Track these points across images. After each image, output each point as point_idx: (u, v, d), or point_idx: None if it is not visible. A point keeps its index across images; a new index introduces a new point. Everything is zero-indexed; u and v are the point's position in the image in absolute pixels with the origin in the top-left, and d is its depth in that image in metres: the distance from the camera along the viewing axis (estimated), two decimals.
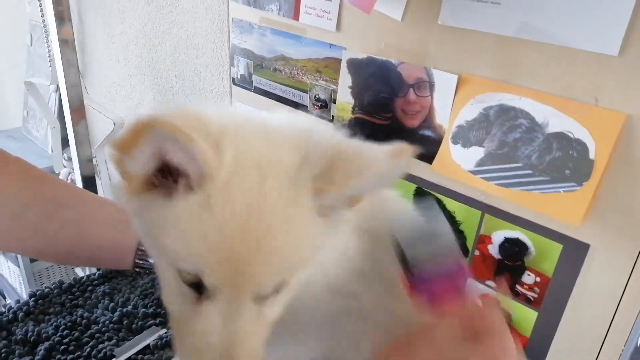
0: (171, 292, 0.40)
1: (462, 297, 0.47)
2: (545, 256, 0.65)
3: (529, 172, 0.60)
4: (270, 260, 0.37)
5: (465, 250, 0.74)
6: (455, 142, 0.66)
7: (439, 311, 0.46)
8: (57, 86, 1.54)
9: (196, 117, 0.36)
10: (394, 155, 0.36)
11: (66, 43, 1.23)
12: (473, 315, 0.46)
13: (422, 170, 0.74)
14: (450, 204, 0.73)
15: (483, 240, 0.71)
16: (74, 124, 1.24)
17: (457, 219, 0.73)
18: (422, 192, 0.76)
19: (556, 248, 0.64)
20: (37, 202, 0.62)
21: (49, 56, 1.55)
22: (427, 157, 0.72)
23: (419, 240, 0.47)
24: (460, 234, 0.74)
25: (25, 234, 0.63)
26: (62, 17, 1.21)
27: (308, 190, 0.37)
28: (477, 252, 0.72)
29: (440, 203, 0.74)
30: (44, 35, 1.53)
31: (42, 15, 1.50)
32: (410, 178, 0.77)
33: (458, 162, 0.66)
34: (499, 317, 0.46)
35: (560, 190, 0.58)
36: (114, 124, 1.26)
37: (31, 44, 1.84)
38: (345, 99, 0.80)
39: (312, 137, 0.40)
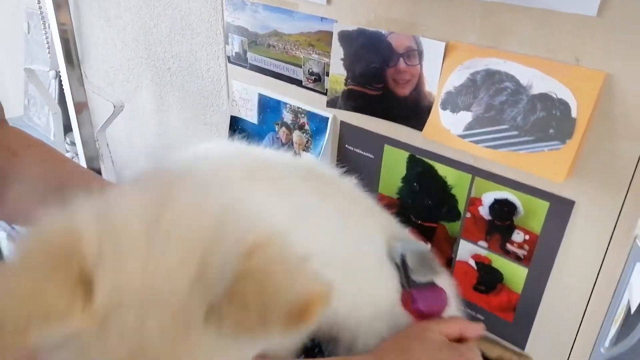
0: None
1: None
2: (533, 214, 0.68)
3: (515, 133, 0.62)
4: None
5: (457, 214, 0.77)
6: (444, 108, 0.69)
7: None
8: (57, 72, 1.56)
9: (66, 252, 0.30)
10: (294, 317, 0.29)
11: (64, 29, 1.25)
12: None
13: (414, 137, 0.77)
14: (442, 169, 0.76)
15: (474, 202, 0.74)
16: (76, 108, 1.26)
17: (449, 183, 0.76)
18: (415, 159, 0.78)
19: (543, 206, 0.66)
20: (57, 185, 0.63)
21: (47, 43, 1.57)
22: (418, 124, 0.74)
23: (424, 268, 0.56)
24: (452, 198, 0.76)
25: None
26: (59, 3, 1.23)
27: (201, 319, 0.31)
28: (468, 215, 0.75)
29: (432, 169, 0.77)
30: (41, 22, 1.55)
31: (39, 3, 1.52)
32: (402, 146, 0.79)
33: (447, 128, 0.68)
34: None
35: (545, 149, 0.61)
36: (114, 106, 1.28)
37: (28, 32, 1.86)
38: (338, 72, 0.82)
39: (221, 230, 0.33)
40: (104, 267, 0.30)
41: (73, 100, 1.28)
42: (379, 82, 0.76)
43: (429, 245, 0.65)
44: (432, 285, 0.57)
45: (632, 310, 0.71)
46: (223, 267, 0.31)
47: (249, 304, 0.29)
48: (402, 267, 0.56)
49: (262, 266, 0.30)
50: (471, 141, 0.66)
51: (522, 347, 0.78)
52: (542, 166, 0.61)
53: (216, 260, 0.31)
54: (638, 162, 0.59)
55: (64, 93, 1.42)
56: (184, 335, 0.31)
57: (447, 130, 0.68)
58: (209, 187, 0.38)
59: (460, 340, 0.56)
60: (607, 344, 0.73)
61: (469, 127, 0.66)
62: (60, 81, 1.51)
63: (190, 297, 0.31)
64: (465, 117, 0.66)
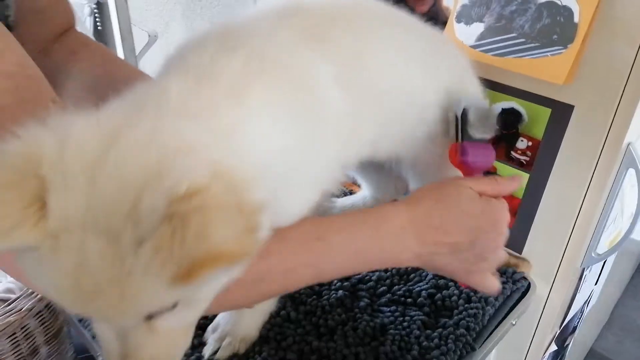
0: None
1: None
2: (536, 121, 0.74)
3: (522, 40, 0.68)
4: (112, 311, 0.36)
5: None
6: (459, 21, 0.75)
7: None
8: (92, 9, 1.64)
9: (24, 171, 0.34)
10: (187, 271, 0.31)
11: None
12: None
13: None
14: None
15: None
16: (123, 39, 1.34)
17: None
18: None
19: (545, 112, 0.73)
20: (107, 80, 0.68)
21: None
22: None
23: (483, 124, 0.59)
24: None
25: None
26: None
27: (132, 250, 0.33)
28: None
29: None
30: None
31: None
32: None
33: (461, 39, 0.75)
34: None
35: (548, 54, 0.67)
36: (149, 36, 1.36)
37: None
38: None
39: (163, 168, 0.35)
40: (55, 193, 0.34)
41: (121, 33, 1.36)
42: (400, 0, 0.82)
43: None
44: (483, 142, 0.59)
45: (623, 215, 0.78)
46: (154, 206, 0.33)
47: (162, 247, 0.32)
48: (461, 120, 0.58)
49: (184, 213, 0.32)
50: (482, 50, 0.73)
51: (520, 251, 0.86)
52: (545, 70, 0.67)
53: (148, 199, 0.33)
54: (632, 66, 0.64)
55: (98, 29, 1.50)
56: (118, 260, 0.34)
57: (461, 42, 0.74)
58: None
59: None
60: (599, 249, 0.81)
61: (481, 37, 0.72)
62: (95, 17, 1.59)
63: (123, 228, 0.33)
64: (478, 28, 0.72)
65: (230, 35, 0.50)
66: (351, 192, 0.98)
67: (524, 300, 0.80)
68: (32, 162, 0.34)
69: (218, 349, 0.68)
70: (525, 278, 0.82)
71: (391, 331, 0.72)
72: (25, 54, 0.46)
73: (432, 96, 0.62)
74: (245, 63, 0.45)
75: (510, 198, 0.82)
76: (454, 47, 0.69)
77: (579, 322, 1.12)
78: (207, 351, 0.68)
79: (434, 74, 0.63)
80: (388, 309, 0.76)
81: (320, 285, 0.80)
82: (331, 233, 0.45)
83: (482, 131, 0.59)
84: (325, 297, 0.78)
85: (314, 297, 0.78)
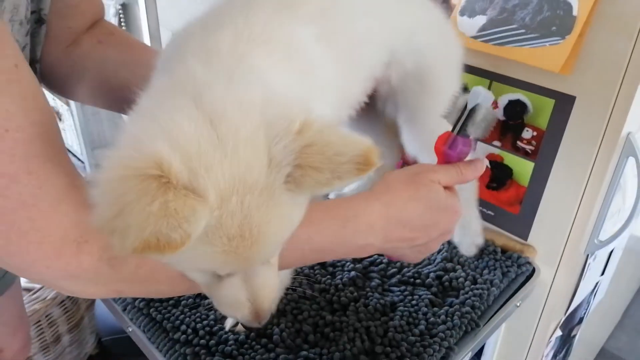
0: (193, 272, 0.48)
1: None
2: (540, 112, 0.79)
3: (522, 31, 0.73)
4: (265, 250, 0.44)
5: None
6: (462, 14, 0.79)
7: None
8: (118, 9, 1.71)
9: (163, 176, 0.37)
10: (362, 166, 0.39)
11: None
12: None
13: None
14: (464, 77, 0.86)
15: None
16: (151, 39, 1.41)
17: (469, 89, 0.87)
18: None
19: (549, 103, 0.77)
20: (132, 64, 0.71)
21: None
22: None
23: (481, 126, 0.60)
24: None
25: (114, 92, 0.71)
26: None
27: (281, 187, 0.41)
28: None
29: None
30: None
31: None
32: None
33: (463, 31, 0.79)
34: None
35: (547, 44, 0.71)
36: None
37: None
38: None
39: (268, 122, 0.41)
40: (201, 178, 0.39)
41: (150, 30, 1.43)
42: None
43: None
44: (470, 140, 0.61)
45: (625, 203, 0.82)
46: (284, 149, 0.40)
47: (321, 167, 0.39)
48: (468, 114, 0.60)
49: (315, 138, 0.40)
50: (482, 40, 0.77)
51: (525, 238, 0.89)
52: (542, 58, 0.71)
53: (277, 145, 0.41)
54: (630, 58, 0.68)
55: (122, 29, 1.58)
56: (272, 202, 0.41)
57: (462, 34, 0.79)
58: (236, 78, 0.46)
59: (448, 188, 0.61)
60: (601, 236, 0.84)
61: (482, 28, 0.77)
62: (120, 18, 1.66)
63: (268, 177, 0.41)
64: (480, 20, 0.77)
65: (211, 17, 0.56)
66: None
67: (528, 283, 0.84)
68: (162, 166, 0.38)
69: (238, 321, 0.74)
70: (529, 263, 0.86)
71: (400, 308, 0.77)
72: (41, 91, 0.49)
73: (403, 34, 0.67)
74: (233, 41, 0.51)
75: (516, 187, 0.87)
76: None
77: (585, 312, 1.15)
78: (228, 323, 0.74)
79: (402, 16, 0.68)
80: (398, 289, 0.81)
81: (334, 266, 0.85)
82: (299, 227, 0.48)
83: (480, 132, 0.61)
84: (339, 277, 0.83)
85: (328, 277, 0.83)
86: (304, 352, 0.70)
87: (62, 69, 0.70)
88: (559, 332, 0.98)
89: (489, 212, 0.92)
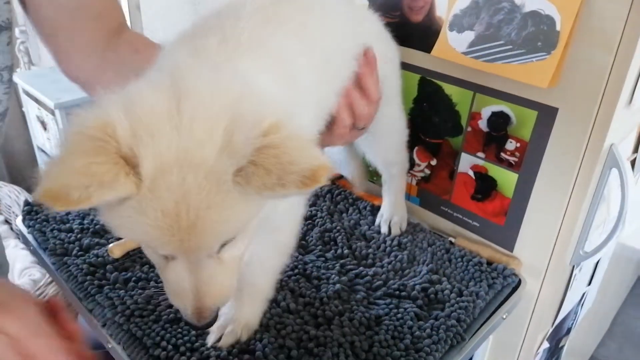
0: (144, 247, 0.50)
1: None
2: (523, 123, 0.79)
3: (509, 47, 0.73)
4: (203, 238, 0.43)
5: (459, 128, 0.88)
6: (451, 30, 0.79)
7: None
8: None
9: (103, 138, 0.39)
10: (307, 180, 0.39)
11: None
12: None
13: (424, 60, 0.88)
14: (448, 89, 0.87)
15: (474, 116, 0.85)
16: None
17: (453, 100, 0.87)
18: (425, 80, 0.89)
19: (532, 115, 0.77)
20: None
21: None
22: (428, 47, 0.85)
23: None
24: (456, 114, 0.87)
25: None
26: None
27: (229, 178, 0.40)
28: (469, 129, 0.86)
29: (440, 89, 0.88)
30: None
31: None
32: (414, 69, 0.90)
33: (454, 46, 0.79)
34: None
35: (534, 59, 0.71)
36: None
37: None
38: (360, 0, 0.93)
39: (238, 112, 0.41)
40: (142, 145, 0.40)
41: None
42: (396, 10, 0.87)
43: None
44: None
45: (610, 214, 0.82)
46: (244, 141, 0.40)
47: (271, 169, 0.39)
48: None
49: (278, 142, 0.40)
50: (473, 57, 0.77)
51: (511, 249, 0.89)
52: (531, 74, 0.71)
53: (238, 136, 0.40)
54: (610, 71, 0.69)
55: None
56: (216, 189, 0.41)
57: (453, 49, 0.79)
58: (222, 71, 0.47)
59: None
60: (586, 247, 0.84)
61: (471, 44, 0.77)
62: None
63: (218, 161, 0.40)
64: (469, 36, 0.77)
65: (200, 26, 0.58)
66: (372, 206, 1.02)
67: (513, 295, 0.84)
68: (107, 128, 0.40)
69: (221, 336, 0.72)
70: (515, 274, 0.86)
71: (385, 322, 0.76)
72: None
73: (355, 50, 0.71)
74: (221, 44, 0.53)
75: (501, 198, 0.87)
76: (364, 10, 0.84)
77: (573, 323, 1.15)
78: (210, 339, 0.72)
79: (356, 32, 0.73)
80: (383, 302, 0.80)
81: (319, 279, 0.84)
82: None
83: None
84: (324, 290, 0.82)
85: (313, 289, 0.82)
86: None
87: (93, 72, 0.73)
88: (546, 344, 0.98)
89: (475, 223, 0.92)
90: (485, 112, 0.83)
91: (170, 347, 0.72)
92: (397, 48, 0.85)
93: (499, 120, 0.81)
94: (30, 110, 1.80)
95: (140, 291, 0.81)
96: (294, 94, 0.59)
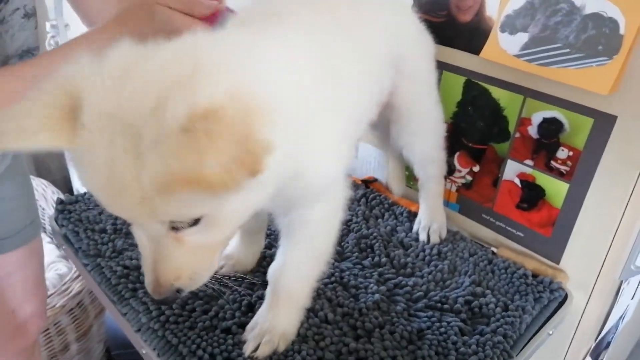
0: None
1: None
2: (577, 131, 0.75)
3: (567, 50, 0.69)
4: (137, 211, 0.41)
5: (507, 134, 0.84)
6: (503, 31, 0.76)
7: None
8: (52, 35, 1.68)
9: (53, 89, 0.40)
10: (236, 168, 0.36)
11: None
12: None
13: (471, 62, 0.84)
14: (496, 92, 0.83)
15: (524, 122, 0.81)
16: None
17: (501, 105, 0.83)
18: (471, 83, 0.86)
19: (587, 122, 0.73)
20: None
21: None
22: (477, 49, 0.81)
23: None
24: (503, 119, 0.84)
25: None
26: None
27: (149, 150, 0.37)
28: (517, 135, 0.82)
29: (487, 92, 0.84)
30: None
31: None
32: (460, 71, 0.87)
33: (505, 48, 0.76)
34: None
35: (594, 64, 0.67)
36: None
37: None
38: None
39: (179, 88, 0.39)
40: (90, 93, 0.40)
41: None
42: (443, 9, 0.84)
43: None
44: None
45: None
46: (175, 115, 0.37)
47: (171, 155, 0.36)
48: None
49: (196, 132, 0.36)
50: (526, 60, 0.73)
51: (557, 262, 0.85)
52: (590, 80, 0.68)
53: (172, 107, 0.37)
54: None
55: None
56: (138, 156, 0.38)
57: (504, 51, 0.75)
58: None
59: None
60: (637, 261, 0.80)
61: (525, 47, 0.73)
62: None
63: (145, 126, 0.38)
64: (522, 38, 0.73)
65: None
66: (409, 212, 1.00)
67: (560, 310, 0.80)
68: (69, 83, 0.40)
69: (258, 346, 0.70)
70: (562, 288, 0.82)
71: (428, 336, 0.73)
72: None
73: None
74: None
75: (549, 208, 0.83)
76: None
77: (613, 337, 1.10)
78: (247, 348, 0.70)
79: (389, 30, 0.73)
80: (424, 314, 0.77)
81: (357, 288, 0.82)
82: (27, 67, 0.53)
83: None
84: (362, 300, 0.79)
85: (351, 299, 0.79)
86: None
87: None
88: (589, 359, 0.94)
89: (519, 233, 0.88)
90: (536, 118, 0.79)
91: (206, 355, 0.70)
92: (431, 41, 0.83)
93: (551, 127, 0.77)
94: None
95: None
96: (337, 95, 0.57)
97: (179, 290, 0.50)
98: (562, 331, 0.86)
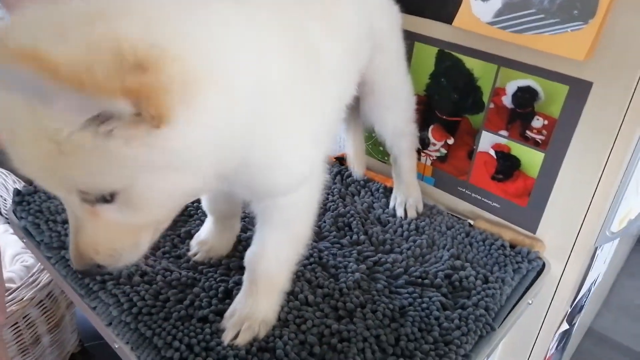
0: None
1: None
2: (553, 99, 0.74)
3: (542, 16, 0.68)
4: (36, 171, 0.40)
5: (481, 105, 0.83)
6: None
7: None
8: None
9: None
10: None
11: None
12: None
13: (444, 32, 0.82)
14: (469, 62, 0.81)
15: (498, 92, 0.80)
16: None
17: (475, 75, 0.81)
18: (444, 54, 0.84)
19: (563, 89, 0.72)
20: None
21: None
22: (448, 18, 0.79)
23: None
24: (477, 90, 0.82)
25: None
26: None
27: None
28: (491, 105, 0.81)
29: (460, 62, 0.82)
30: None
31: None
32: (432, 42, 0.84)
33: (478, 16, 0.74)
34: None
35: (569, 29, 0.66)
36: None
37: None
38: None
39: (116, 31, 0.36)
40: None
41: None
42: None
43: None
44: None
45: (639, 192, 0.78)
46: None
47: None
48: None
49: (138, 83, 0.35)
50: (500, 27, 0.72)
51: (534, 231, 0.85)
52: (565, 46, 0.66)
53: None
54: None
55: None
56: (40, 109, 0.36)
57: (477, 19, 0.73)
58: None
59: None
60: (613, 227, 0.81)
61: (498, 13, 0.71)
62: None
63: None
64: (495, 4, 0.71)
65: None
66: (385, 187, 0.98)
67: (539, 279, 0.81)
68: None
69: (238, 333, 0.68)
70: (539, 258, 0.82)
71: (411, 312, 0.72)
72: None
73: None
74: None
75: (524, 178, 0.82)
76: None
77: (586, 301, 1.13)
78: (227, 337, 0.67)
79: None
80: (405, 291, 0.76)
81: (336, 267, 0.80)
82: None
83: None
84: (343, 279, 0.77)
85: (331, 279, 0.78)
86: None
87: None
88: (565, 326, 0.96)
89: (495, 204, 0.88)
90: (510, 88, 0.78)
91: (183, 347, 0.67)
92: (398, 10, 0.81)
93: (525, 96, 0.76)
94: None
95: (146, 286, 0.76)
96: (316, 72, 0.55)
97: (99, 266, 0.49)
98: (540, 299, 0.87)
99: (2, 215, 1.67)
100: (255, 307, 0.69)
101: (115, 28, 0.37)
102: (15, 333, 1.34)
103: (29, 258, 1.52)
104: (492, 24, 0.72)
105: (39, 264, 1.41)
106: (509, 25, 0.70)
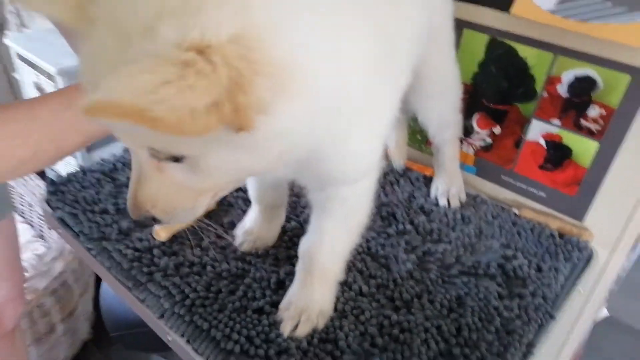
0: None
1: None
2: (612, 88, 0.73)
3: (609, 4, 0.66)
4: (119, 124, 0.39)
5: (533, 94, 0.82)
6: None
7: None
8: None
9: None
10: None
11: None
12: None
13: (497, 19, 0.81)
14: (523, 51, 0.80)
15: (553, 81, 0.79)
16: None
17: (529, 64, 0.80)
18: (495, 42, 0.82)
19: (624, 79, 0.71)
20: None
21: None
22: (504, 5, 0.77)
23: None
24: (530, 78, 0.81)
25: None
26: None
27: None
28: (545, 94, 0.80)
29: (513, 51, 0.81)
30: None
31: None
32: (483, 29, 0.83)
33: (538, 4, 0.72)
34: None
35: (638, 18, 0.65)
36: None
37: None
38: None
39: (186, 9, 0.36)
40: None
41: None
42: None
43: None
44: None
45: None
46: (167, 38, 0.34)
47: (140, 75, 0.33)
48: None
49: (175, 61, 0.33)
50: (562, 15, 0.70)
51: (580, 220, 0.85)
52: (632, 35, 0.65)
53: (165, 29, 0.35)
54: None
55: None
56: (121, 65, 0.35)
57: (538, 7, 0.72)
58: None
59: None
60: None
61: (561, 1, 0.70)
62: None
63: (136, 39, 0.36)
64: None
65: None
66: (425, 177, 0.97)
67: (588, 268, 0.81)
68: None
69: (296, 325, 0.67)
70: (589, 246, 0.82)
71: (469, 302, 0.72)
72: None
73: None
74: None
75: (575, 168, 0.82)
76: None
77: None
78: (286, 328, 0.67)
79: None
80: (460, 281, 0.76)
81: (386, 258, 0.79)
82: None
83: None
84: (395, 270, 0.77)
85: (383, 269, 0.77)
86: (377, 359, 0.64)
87: None
88: (605, 312, 0.96)
89: (541, 193, 0.88)
90: (567, 77, 0.77)
91: (243, 339, 0.66)
92: (451, 2, 0.77)
93: (583, 85, 0.75)
94: (26, 76, 1.63)
95: (197, 277, 0.74)
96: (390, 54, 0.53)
97: (154, 219, 0.49)
98: (585, 287, 0.87)
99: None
100: (312, 298, 0.68)
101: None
102: (30, 323, 1.32)
103: (40, 246, 1.49)
104: (553, 12, 0.71)
105: (51, 252, 1.38)
106: (573, 14, 0.69)
